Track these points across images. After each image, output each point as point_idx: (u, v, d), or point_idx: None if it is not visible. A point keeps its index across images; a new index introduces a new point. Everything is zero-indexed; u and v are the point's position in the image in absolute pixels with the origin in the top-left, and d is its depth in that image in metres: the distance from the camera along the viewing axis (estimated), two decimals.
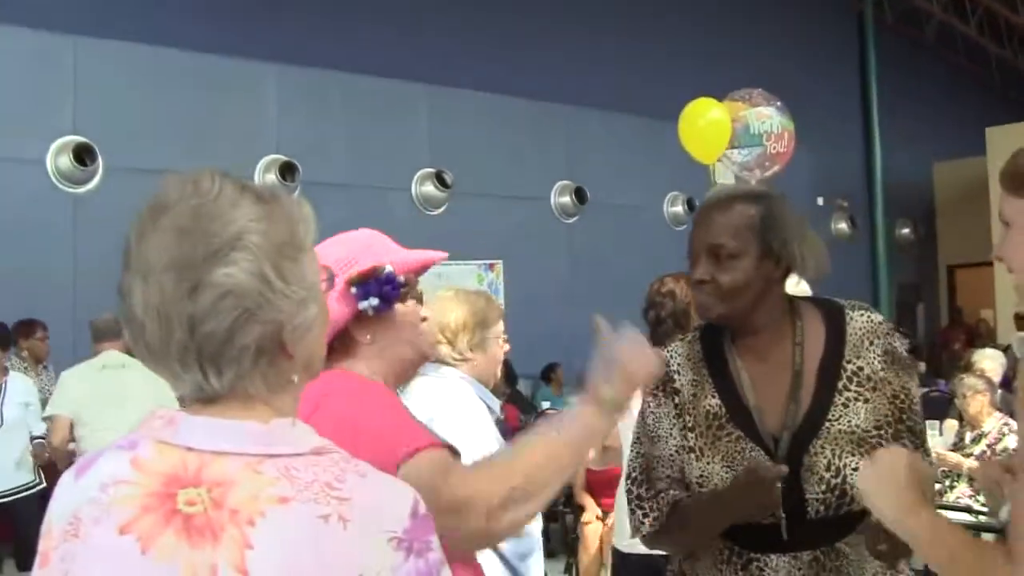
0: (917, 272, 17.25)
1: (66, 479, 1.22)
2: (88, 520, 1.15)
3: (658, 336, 3.76)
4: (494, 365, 2.89)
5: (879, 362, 2.10)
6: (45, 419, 5.90)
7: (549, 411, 9.84)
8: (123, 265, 1.18)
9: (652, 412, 2.22)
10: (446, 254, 1.96)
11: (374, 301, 1.80)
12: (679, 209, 13.06)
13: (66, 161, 8.58)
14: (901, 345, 2.14)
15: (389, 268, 1.82)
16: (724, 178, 8.01)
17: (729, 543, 2.09)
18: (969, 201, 14.87)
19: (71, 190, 8.69)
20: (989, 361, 7.77)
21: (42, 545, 1.20)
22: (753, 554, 2.06)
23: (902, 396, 2.10)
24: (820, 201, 14.88)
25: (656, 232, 12.49)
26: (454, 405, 2.67)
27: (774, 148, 7.77)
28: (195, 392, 1.17)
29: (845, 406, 2.07)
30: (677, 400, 2.18)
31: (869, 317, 2.15)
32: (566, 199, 12.21)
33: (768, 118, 7.82)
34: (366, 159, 10.54)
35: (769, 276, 2.09)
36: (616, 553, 3.98)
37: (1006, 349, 9.46)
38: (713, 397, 2.13)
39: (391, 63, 10.80)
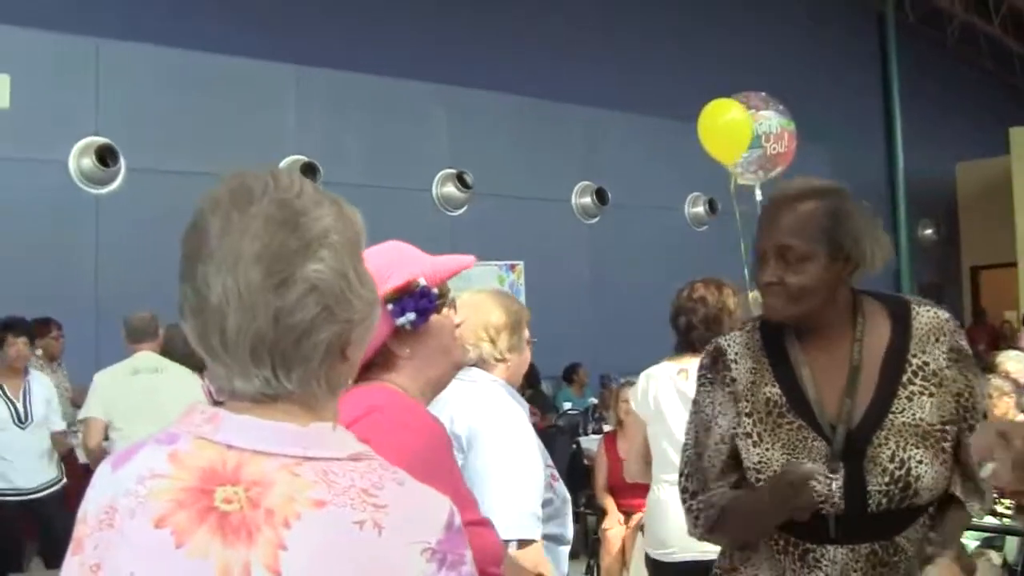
0: (939, 273, 17.13)
1: (104, 470, 1.21)
2: (124, 511, 1.14)
3: (689, 342, 3.73)
4: (524, 367, 2.87)
5: (944, 359, 2.09)
6: (79, 421, 5.96)
7: (570, 412, 9.85)
8: (190, 253, 1.16)
9: (709, 399, 2.21)
10: (474, 258, 1.94)
11: (411, 316, 1.79)
12: (700, 210, 13.04)
13: (89, 162, 8.64)
14: (966, 344, 2.14)
15: (423, 282, 1.81)
16: (744, 179, 7.96)
17: (786, 534, 2.09)
18: (992, 201, 14.78)
19: (93, 191, 8.74)
20: (1014, 362, 7.68)
21: (77, 532, 1.20)
22: (810, 545, 2.05)
23: (966, 395, 2.10)
24: None
25: (678, 233, 12.49)
26: (495, 414, 2.62)
27: (773, 149, 7.71)
28: (261, 388, 1.15)
29: (909, 399, 2.06)
30: (732, 388, 2.16)
31: (936, 313, 2.14)
32: (587, 200, 12.18)
33: (766, 119, 7.77)
34: (386, 160, 10.54)
35: (839, 276, 2.07)
36: (651, 562, 3.92)
37: None
38: (773, 386, 2.12)
39: (411, 65, 10.80)
